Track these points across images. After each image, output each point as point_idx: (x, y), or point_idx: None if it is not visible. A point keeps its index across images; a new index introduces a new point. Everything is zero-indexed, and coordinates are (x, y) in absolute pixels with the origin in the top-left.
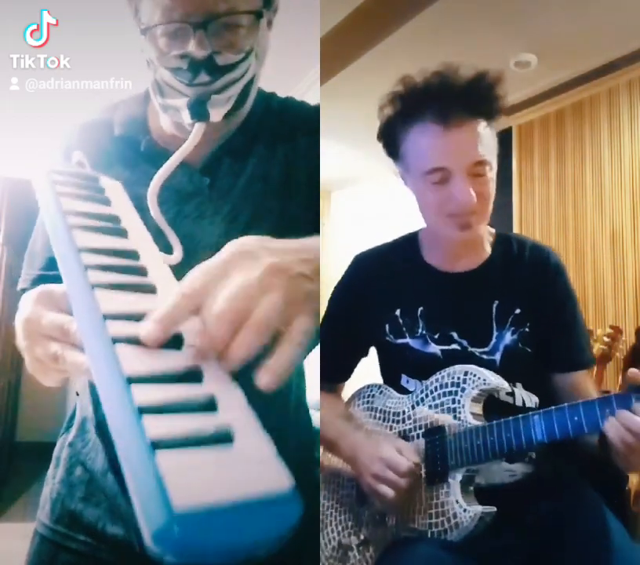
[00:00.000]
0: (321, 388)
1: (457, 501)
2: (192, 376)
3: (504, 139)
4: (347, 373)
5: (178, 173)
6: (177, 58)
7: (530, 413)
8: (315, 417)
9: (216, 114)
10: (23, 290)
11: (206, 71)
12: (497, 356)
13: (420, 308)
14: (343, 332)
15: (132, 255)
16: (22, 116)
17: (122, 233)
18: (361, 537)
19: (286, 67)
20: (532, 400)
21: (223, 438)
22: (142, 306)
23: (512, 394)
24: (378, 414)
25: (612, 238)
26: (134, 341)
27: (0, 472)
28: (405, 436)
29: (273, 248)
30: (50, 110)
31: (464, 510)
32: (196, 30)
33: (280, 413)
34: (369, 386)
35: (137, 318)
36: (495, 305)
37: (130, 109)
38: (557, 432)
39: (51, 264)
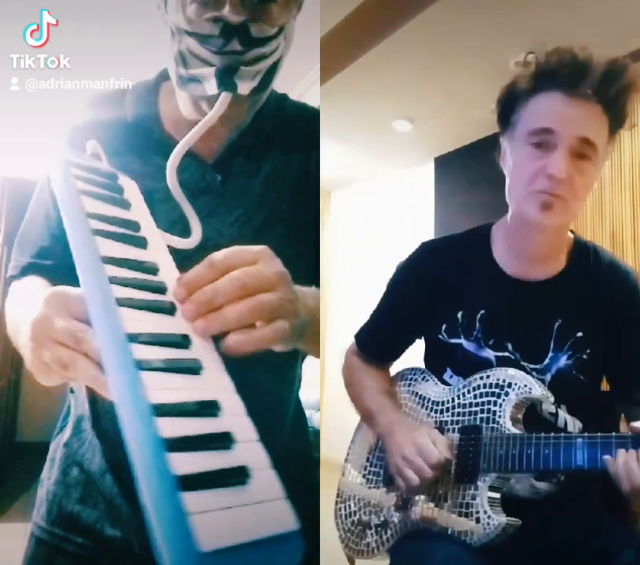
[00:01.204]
0: (370, 363)
1: (483, 506)
2: (211, 409)
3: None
4: (398, 354)
5: (190, 168)
6: (209, 23)
7: (574, 434)
8: (315, 417)
9: (244, 88)
10: (12, 277)
11: (239, 39)
12: (548, 377)
13: (481, 312)
14: (402, 314)
15: (153, 269)
16: (22, 116)
17: (143, 243)
18: (382, 518)
19: (286, 67)
20: (575, 425)
21: (240, 477)
22: (161, 328)
23: (555, 414)
24: (418, 399)
25: (612, 238)
26: (157, 368)
27: (0, 471)
28: (441, 427)
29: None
30: (50, 110)
31: (489, 517)
32: None
33: (282, 417)
34: (412, 369)
35: (160, 342)
36: (557, 325)
37: (140, 97)
38: (599, 462)
39: (44, 252)
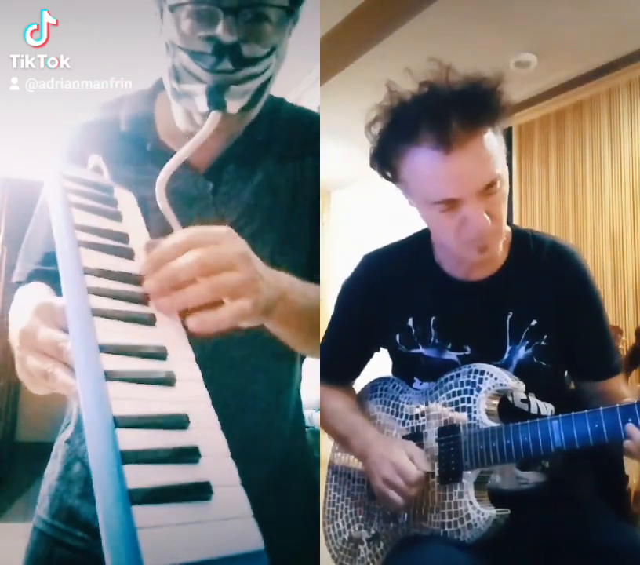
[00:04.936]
0: (331, 384)
1: (471, 502)
2: (178, 422)
3: (504, 139)
4: (359, 370)
5: (182, 176)
6: (202, 41)
7: (549, 417)
8: (315, 417)
9: (233, 106)
10: (19, 283)
11: (230, 58)
12: (510, 371)
13: (433, 318)
14: (356, 330)
15: (136, 281)
16: (22, 116)
17: (129, 254)
18: (372, 531)
19: (286, 67)
20: (547, 408)
21: (202, 493)
22: (139, 339)
23: (527, 401)
24: (391, 408)
25: (612, 238)
26: (127, 379)
27: (0, 471)
28: (417, 433)
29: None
30: (50, 110)
31: (478, 511)
32: (226, 15)
33: (280, 417)
34: (382, 379)
35: (134, 353)
36: (509, 317)
37: (136, 105)
38: (576, 439)
39: (49, 258)
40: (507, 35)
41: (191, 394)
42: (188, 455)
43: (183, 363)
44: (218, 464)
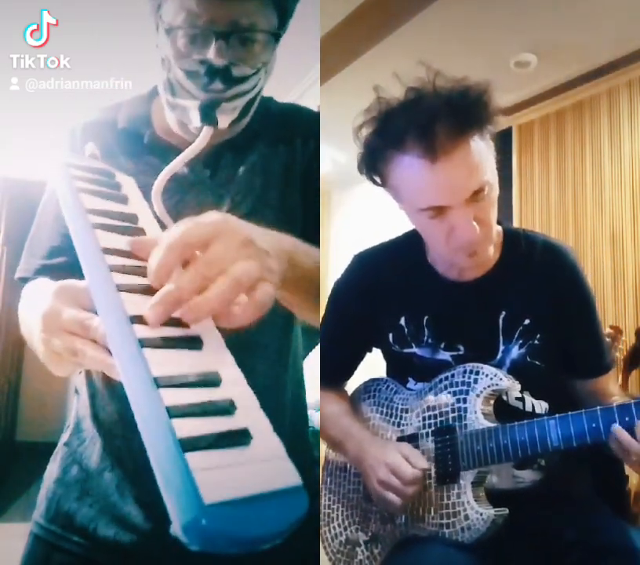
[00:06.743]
0: (325, 386)
1: (469, 503)
2: (211, 380)
3: (504, 138)
4: (352, 371)
5: None
6: (195, 62)
7: (546, 417)
8: (315, 417)
9: (223, 121)
10: (24, 279)
11: (221, 79)
12: (504, 370)
13: (426, 317)
14: (347, 332)
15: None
16: (22, 116)
17: (141, 234)
18: (369, 533)
19: (286, 66)
20: (542, 407)
21: (242, 439)
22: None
23: (522, 399)
24: (385, 410)
25: (612, 238)
26: (159, 344)
27: (0, 471)
28: (412, 434)
29: (258, 230)
30: (50, 110)
31: (476, 512)
32: (217, 39)
33: (277, 414)
34: (374, 380)
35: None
36: (502, 317)
37: (134, 106)
38: (573, 439)
39: (55, 252)
40: (507, 35)
41: (218, 356)
42: (224, 407)
43: (206, 330)
44: (251, 414)
